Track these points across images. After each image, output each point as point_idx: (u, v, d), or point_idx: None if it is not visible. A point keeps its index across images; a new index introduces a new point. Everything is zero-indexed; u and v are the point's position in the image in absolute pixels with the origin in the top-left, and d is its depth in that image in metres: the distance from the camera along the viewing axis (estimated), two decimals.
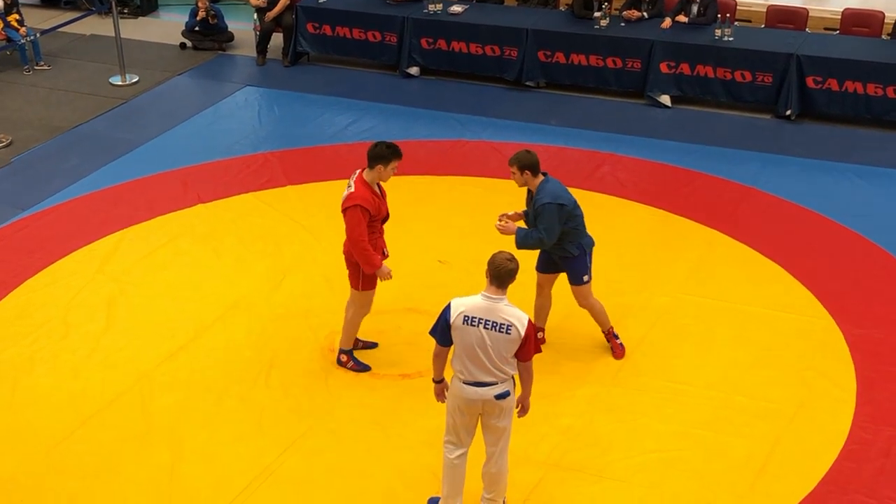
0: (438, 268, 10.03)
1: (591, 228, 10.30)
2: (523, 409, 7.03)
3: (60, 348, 9.09)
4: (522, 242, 8.27)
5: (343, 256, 8.44)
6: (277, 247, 10.50)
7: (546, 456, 7.84)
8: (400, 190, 11.57)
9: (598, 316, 8.74)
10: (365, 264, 8.21)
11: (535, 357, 6.80)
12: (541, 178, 8.29)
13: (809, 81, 12.82)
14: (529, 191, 8.40)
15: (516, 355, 6.73)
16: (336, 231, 10.64)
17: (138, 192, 11.58)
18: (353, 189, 8.17)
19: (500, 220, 8.30)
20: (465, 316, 6.70)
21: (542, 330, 8.90)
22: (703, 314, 9.40)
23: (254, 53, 15.15)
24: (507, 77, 13.99)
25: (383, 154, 8.14)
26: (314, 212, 11.09)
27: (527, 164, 8.21)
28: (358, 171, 8.27)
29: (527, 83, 13.92)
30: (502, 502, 7.25)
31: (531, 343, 6.72)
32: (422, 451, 7.86)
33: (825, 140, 12.52)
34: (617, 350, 8.81)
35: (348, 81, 14.40)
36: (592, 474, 7.66)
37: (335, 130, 13.00)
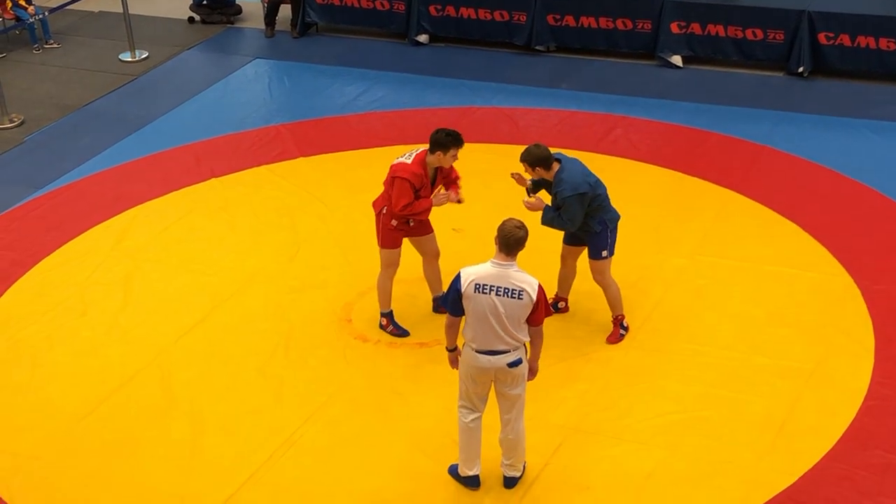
0: (453, 236, 10.02)
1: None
2: (532, 372, 7.05)
3: (79, 326, 9.14)
4: (549, 222, 8.21)
5: (373, 212, 8.56)
6: (292, 219, 10.50)
7: (565, 419, 7.85)
8: None
9: (612, 298, 8.58)
10: (420, 214, 8.34)
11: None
12: (556, 167, 8.10)
13: (821, 38, 12.73)
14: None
15: (528, 320, 6.74)
16: (350, 202, 10.67)
17: (151, 167, 11.59)
18: (408, 161, 8.21)
19: (527, 196, 8.23)
20: (476, 284, 6.69)
21: (566, 300, 8.88)
22: (719, 274, 9.38)
23: (262, 26, 15.10)
24: (517, 42, 13.91)
25: (442, 141, 8.13)
26: (327, 183, 11.08)
27: (536, 160, 8.06)
28: (423, 148, 8.28)
29: (537, 48, 13.85)
30: (522, 467, 7.27)
31: (542, 307, 6.73)
32: (441, 419, 7.88)
33: (838, 96, 12.44)
34: (614, 335, 8.61)
35: (357, 51, 14.35)
36: (611, 437, 7.67)
37: (346, 101, 12.97)
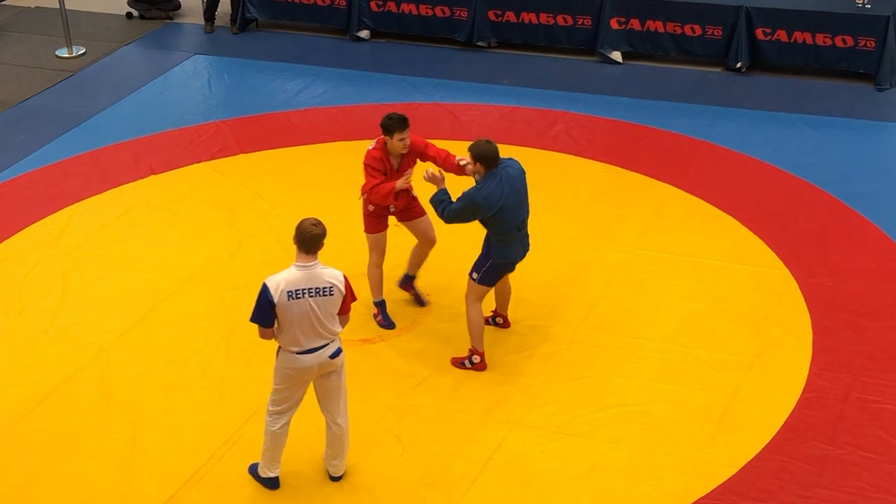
0: (395, 231, 10.00)
1: (547, 187, 10.36)
2: None
3: (17, 325, 9.01)
4: (433, 202, 8.02)
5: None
6: (232, 216, 10.43)
7: (508, 415, 7.89)
8: (354, 154, 11.54)
9: (469, 326, 8.20)
10: (384, 198, 8.34)
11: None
12: (492, 171, 7.79)
13: (759, 33, 12.87)
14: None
15: (339, 312, 6.92)
16: (291, 198, 10.62)
17: (89, 164, 11.45)
18: (371, 147, 8.40)
19: (428, 171, 8.06)
20: (287, 292, 6.75)
21: (504, 316, 8.71)
22: (659, 268, 9.46)
23: (201, 21, 14.97)
24: (458, 38, 13.92)
25: (385, 125, 8.27)
26: (268, 179, 11.02)
27: (479, 155, 7.80)
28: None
29: (478, 43, 13.87)
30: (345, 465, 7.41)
31: (349, 296, 6.94)
32: (384, 415, 7.89)
33: (776, 91, 12.59)
34: (457, 360, 8.35)
35: (298, 47, 14.28)
36: (554, 431, 7.72)
37: (287, 97, 12.90)
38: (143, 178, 11.14)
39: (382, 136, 8.36)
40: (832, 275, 9.22)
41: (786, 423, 7.70)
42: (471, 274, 8.13)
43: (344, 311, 6.96)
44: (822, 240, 9.71)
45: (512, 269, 8.24)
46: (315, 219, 6.84)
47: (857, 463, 7.34)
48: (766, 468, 7.33)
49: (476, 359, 8.27)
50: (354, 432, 7.72)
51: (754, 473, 7.28)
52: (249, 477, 7.42)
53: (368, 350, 8.60)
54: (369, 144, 8.46)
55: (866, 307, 8.82)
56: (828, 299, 8.93)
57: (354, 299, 7.06)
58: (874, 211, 10.06)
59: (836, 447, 7.47)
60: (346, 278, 6.90)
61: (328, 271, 6.85)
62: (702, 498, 7.12)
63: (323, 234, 6.82)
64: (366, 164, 8.39)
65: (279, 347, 6.97)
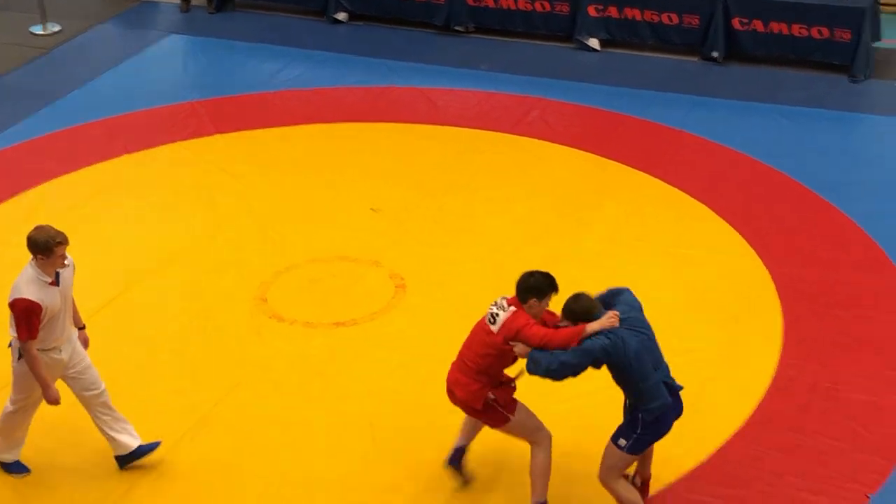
0: (371, 215, 10.01)
1: (522, 174, 10.38)
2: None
3: None
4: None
5: None
6: (209, 197, 10.39)
7: None
8: (332, 137, 11.54)
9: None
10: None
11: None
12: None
13: (735, 23, 12.90)
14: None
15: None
16: (268, 180, 10.58)
17: (63, 143, 11.37)
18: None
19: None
20: (40, 291, 6.75)
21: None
22: (633, 257, 9.50)
23: (178, 0, 14.87)
24: (436, 22, 13.89)
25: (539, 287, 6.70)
26: (244, 160, 10.98)
27: (568, 313, 6.62)
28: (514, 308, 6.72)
29: (455, 28, 13.84)
30: None
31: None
32: (361, 400, 7.90)
33: (752, 81, 12.63)
34: None
35: (275, 28, 14.20)
36: None
37: (263, 78, 12.85)
38: (117, 157, 11.07)
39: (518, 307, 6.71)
40: (804, 264, 9.28)
41: (756, 411, 7.76)
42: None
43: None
44: (794, 229, 9.78)
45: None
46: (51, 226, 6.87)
47: (825, 451, 7.40)
48: (735, 456, 7.38)
49: None
50: (326, 418, 7.73)
51: (724, 461, 7.34)
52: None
53: (343, 333, 8.60)
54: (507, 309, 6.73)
55: (836, 296, 8.89)
56: (798, 288, 9.00)
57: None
58: (846, 201, 10.13)
59: (805, 436, 7.53)
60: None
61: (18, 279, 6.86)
62: (671, 485, 7.17)
63: (40, 237, 6.82)
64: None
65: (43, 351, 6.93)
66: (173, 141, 11.37)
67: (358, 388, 8.04)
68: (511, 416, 6.75)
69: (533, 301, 6.63)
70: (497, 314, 6.66)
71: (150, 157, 11.08)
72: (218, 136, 11.47)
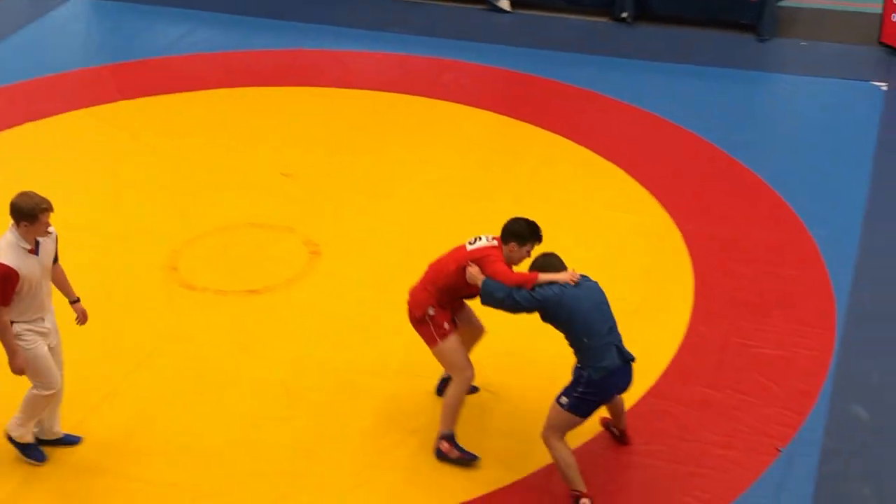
0: (282, 181, 9.90)
1: (436, 136, 10.35)
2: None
3: None
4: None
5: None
6: (115, 165, 10.20)
7: (400, 365, 7.88)
8: (241, 102, 11.38)
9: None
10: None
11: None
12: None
13: None
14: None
15: None
16: (175, 146, 10.41)
17: None
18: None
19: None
20: (22, 261, 6.59)
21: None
22: (545, 217, 9.37)
23: None
24: None
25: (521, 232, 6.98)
26: (151, 126, 10.79)
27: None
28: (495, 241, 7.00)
29: None
30: None
31: None
32: (275, 366, 7.83)
33: (661, 42, 12.73)
34: None
35: None
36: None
37: (168, 42, 12.61)
38: (18, 125, 10.81)
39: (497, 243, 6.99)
40: (714, 223, 9.40)
41: (668, 367, 7.86)
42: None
43: None
44: (703, 188, 9.89)
45: None
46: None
47: (736, 406, 7.51)
48: (649, 412, 7.46)
49: (586, 502, 6.76)
50: (240, 385, 7.66)
51: (638, 417, 7.40)
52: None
53: (256, 301, 8.51)
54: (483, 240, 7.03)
55: (744, 252, 9.03)
56: (708, 246, 9.11)
57: None
58: (754, 159, 10.27)
59: (716, 391, 7.64)
60: None
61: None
62: (587, 442, 7.22)
63: (23, 203, 6.62)
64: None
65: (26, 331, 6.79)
66: (77, 108, 11.13)
67: (272, 354, 7.97)
68: (439, 341, 6.96)
69: (513, 245, 6.91)
70: (480, 238, 7.01)
71: (53, 125, 10.83)
72: (123, 102, 11.24)
